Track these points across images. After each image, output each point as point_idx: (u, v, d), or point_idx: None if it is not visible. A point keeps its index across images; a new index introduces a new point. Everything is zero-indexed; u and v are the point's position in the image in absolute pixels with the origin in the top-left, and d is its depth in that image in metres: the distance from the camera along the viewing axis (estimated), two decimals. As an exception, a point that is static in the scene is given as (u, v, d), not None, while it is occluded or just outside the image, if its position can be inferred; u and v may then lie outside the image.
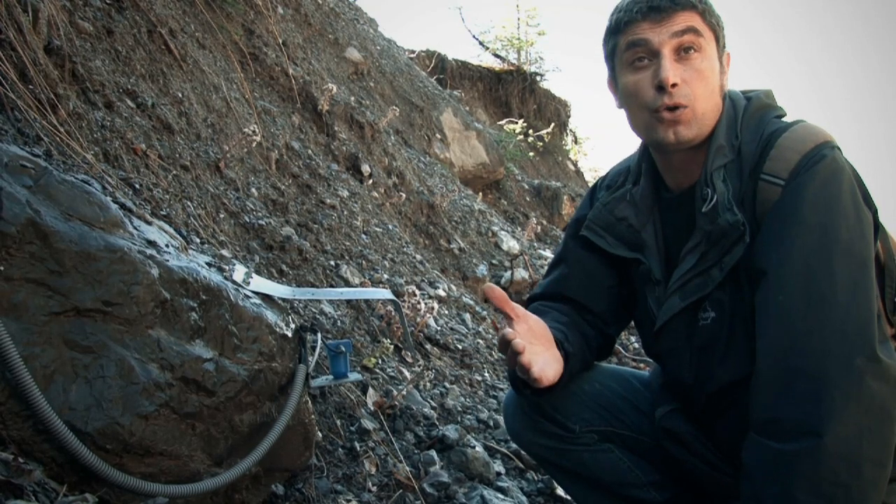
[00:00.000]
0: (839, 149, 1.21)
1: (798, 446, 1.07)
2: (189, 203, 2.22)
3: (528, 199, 8.48)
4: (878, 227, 1.20)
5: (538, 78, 13.48)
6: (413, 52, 10.78)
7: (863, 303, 1.11)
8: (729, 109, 1.31)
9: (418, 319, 2.96)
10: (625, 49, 1.29)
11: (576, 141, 14.47)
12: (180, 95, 2.73)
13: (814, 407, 1.06)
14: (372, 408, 2.22)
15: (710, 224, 1.26)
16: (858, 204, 1.16)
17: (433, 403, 2.50)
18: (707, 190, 1.26)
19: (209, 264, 1.57)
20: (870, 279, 1.13)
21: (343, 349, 1.71)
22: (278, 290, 1.67)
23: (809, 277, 1.12)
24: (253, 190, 2.95)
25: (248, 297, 1.52)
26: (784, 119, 1.30)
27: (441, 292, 3.74)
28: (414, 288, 2.99)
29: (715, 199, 1.24)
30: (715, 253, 1.26)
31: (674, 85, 1.22)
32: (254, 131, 2.75)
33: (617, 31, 1.30)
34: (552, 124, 12.41)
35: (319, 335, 1.70)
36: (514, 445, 2.38)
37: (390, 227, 4.05)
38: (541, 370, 1.23)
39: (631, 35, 1.27)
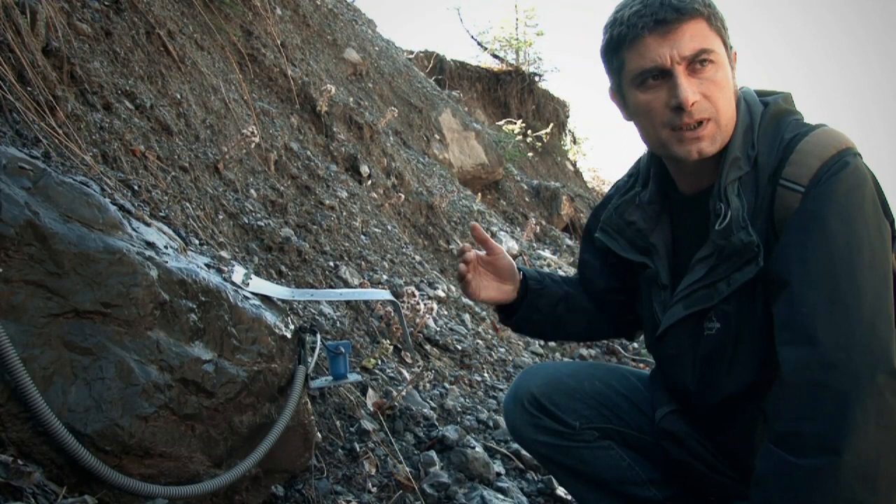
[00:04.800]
0: (860, 155, 1.17)
1: (816, 462, 1.05)
2: (188, 204, 2.22)
3: (526, 199, 8.47)
4: (894, 236, 1.17)
5: (537, 78, 13.48)
6: (412, 52, 10.79)
7: (885, 318, 1.08)
8: (745, 116, 1.26)
9: (417, 320, 2.96)
10: (634, 72, 1.23)
11: (574, 141, 14.47)
12: (179, 97, 2.73)
13: (834, 424, 1.04)
14: (371, 408, 2.22)
15: (722, 240, 1.23)
16: (879, 215, 1.13)
17: (433, 404, 2.50)
18: (720, 205, 1.23)
19: (208, 265, 1.57)
20: (891, 292, 1.10)
21: (342, 350, 1.70)
22: (277, 291, 1.67)
23: (834, 289, 1.09)
24: (252, 191, 2.94)
25: (247, 298, 1.51)
26: (803, 122, 1.26)
27: (440, 293, 3.73)
28: (413, 288, 2.99)
29: (729, 216, 1.21)
30: (725, 268, 1.24)
31: (693, 103, 1.18)
32: (252, 132, 2.75)
33: (620, 46, 1.23)
34: (551, 124, 12.40)
35: (319, 336, 1.69)
36: (514, 446, 2.38)
37: (389, 227, 4.05)
38: (475, 289, 1.53)
39: (638, 56, 1.21)
